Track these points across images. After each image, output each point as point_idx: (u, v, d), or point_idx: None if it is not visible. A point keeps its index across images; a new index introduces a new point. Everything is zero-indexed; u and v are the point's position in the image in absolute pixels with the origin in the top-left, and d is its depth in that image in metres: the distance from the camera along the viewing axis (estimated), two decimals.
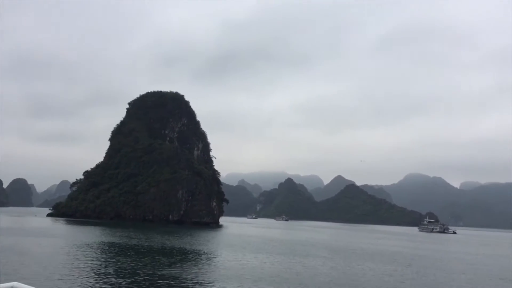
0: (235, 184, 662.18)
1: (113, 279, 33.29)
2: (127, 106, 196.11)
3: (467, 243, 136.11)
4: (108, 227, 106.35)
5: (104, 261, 43.33)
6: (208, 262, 47.90)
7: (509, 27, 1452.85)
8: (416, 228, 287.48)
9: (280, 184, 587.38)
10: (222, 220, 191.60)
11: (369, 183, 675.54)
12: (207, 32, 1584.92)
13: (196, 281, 34.57)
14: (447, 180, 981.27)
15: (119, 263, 42.19)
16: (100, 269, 37.89)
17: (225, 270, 41.11)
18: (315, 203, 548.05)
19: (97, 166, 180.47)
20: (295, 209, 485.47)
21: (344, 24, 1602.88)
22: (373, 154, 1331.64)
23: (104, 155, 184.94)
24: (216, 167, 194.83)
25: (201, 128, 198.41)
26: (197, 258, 51.25)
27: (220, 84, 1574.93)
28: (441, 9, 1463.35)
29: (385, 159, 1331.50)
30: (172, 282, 33.46)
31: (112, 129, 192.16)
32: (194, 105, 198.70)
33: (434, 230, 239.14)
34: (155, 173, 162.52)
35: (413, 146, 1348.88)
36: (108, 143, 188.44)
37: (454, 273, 48.82)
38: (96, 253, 50.65)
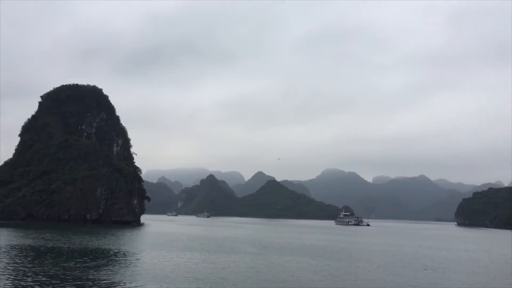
0: (155, 181, 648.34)
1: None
2: (40, 99, 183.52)
3: (387, 234, 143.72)
4: (20, 229, 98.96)
5: (21, 267, 39.78)
6: (135, 262, 45.94)
7: (420, 32, 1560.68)
8: (333, 222, 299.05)
9: (202, 181, 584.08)
10: (143, 218, 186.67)
11: (289, 179, 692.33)
12: (130, 25, 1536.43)
13: (124, 283, 33.00)
14: (361, 175, 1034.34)
15: (39, 268, 39.06)
16: (17, 276, 34.76)
17: (152, 271, 39.50)
18: (237, 199, 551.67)
19: (6, 163, 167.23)
20: (217, 206, 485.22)
21: (270, 22, 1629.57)
22: (294, 150, 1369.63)
23: (13, 152, 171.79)
24: (136, 164, 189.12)
25: (121, 124, 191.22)
26: (123, 259, 48.99)
27: (142, 79, 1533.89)
28: (361, 12, 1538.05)
29: (305, 155, 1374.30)
30: (102, 285, 31.66)
31: (22, 124, 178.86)
32: (114, 100, 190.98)
33: (349, 223, 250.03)
34: (71, 170, 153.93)
35: (332, 143, 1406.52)
36: (18, 139, 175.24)
37: (385, 265, 51.02)
38: (8, 258, 46.51)
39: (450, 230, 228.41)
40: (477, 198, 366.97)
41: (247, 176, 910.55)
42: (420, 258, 60.65)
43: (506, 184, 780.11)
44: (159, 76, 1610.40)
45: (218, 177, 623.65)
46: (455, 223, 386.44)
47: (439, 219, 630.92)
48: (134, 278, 35.51)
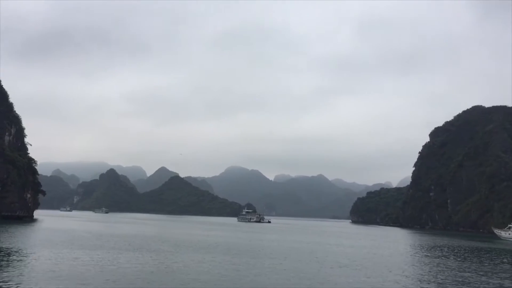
0: (49, 174, 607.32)
1: None
2: None
3: (292, 231, 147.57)
4: None
5: None
6: (33, 262, 41.70)
7: (330, 38, 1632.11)
8: (235, 219, 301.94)
9: (101, 175, 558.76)
10: (36, 213, 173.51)
11: (193, 175, 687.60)
12: (35, 6, 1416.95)
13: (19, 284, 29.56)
14: (264, 173, 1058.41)
15: None
16: None
17: (52, 272, 35.93)
18: (138, 195, 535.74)
19: None
20: (117, 201, 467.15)
21: (186, 16, 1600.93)
22: (200, 146, 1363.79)
23: None
24: (31, 155, 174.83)
25: (15, 111, 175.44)
26: (18, 258, 44.28)
27: (45, 65, 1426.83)
28: (277, 14, 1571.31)
29: (210, 152, 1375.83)
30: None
31: None
32: (8, 86, 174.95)
33: (251, 220, 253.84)
34: None
35: (238, 141, 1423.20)
36: None
37: (304, 262, 51.69)
38: None
39: (348, 227, 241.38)
40: (370, 197, 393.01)
41: (150, 171, 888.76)
42: (331, 254, 62.60)
43: (394, 184, 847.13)
44: (63, 63, 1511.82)
45: (119, 172, 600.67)
46: (350, 220, 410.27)
47: (335, 217, 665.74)
48: (31, 279, 31.96)
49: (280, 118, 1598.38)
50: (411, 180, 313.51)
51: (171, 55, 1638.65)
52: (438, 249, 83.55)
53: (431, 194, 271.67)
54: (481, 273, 47.55)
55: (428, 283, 38.68)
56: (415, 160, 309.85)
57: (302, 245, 77.60)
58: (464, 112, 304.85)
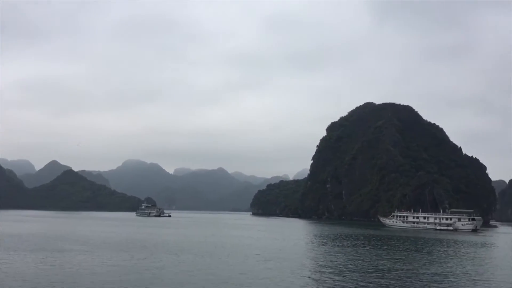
0: None
1: None
2: None
3: (198, 225, 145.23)
4: None
5: None
6: None
7: (237, 33, 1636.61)
8: (134, 213, 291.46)
9: None
10: None
11: (87, 169, 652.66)
12: None
13: None
14: (163, 167, 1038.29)
15: None
16: None
17: None
18: (26, 190, 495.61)
19: None
20: (2, 197, 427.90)
21: (87, 3, 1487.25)
22: (96, 139, 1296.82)
23: None
24: None
25: None
26: None
27: None
28: (183, 6, 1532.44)
29: (106, 145, 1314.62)
30: None
31: None
32: None
33: (151, 214, 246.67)
34: None
35: (137, 133, 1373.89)
36: None
37: (220, 256, 50.12)
38: None
39: (249, 219, 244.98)
40: (270, 190, 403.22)
41: (39, 165, 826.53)
42: (243, 246, 62.04)
43: (291, 177, 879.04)
44: None
45: (4, 166, 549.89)
46: (251, 212, 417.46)
47: (235, 209, 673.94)
48: None
49: (185, 111, 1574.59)
50: (309, 172, 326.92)
51: (70, 43, 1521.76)
52: (338, 238, 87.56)
53: (327, 186, 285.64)
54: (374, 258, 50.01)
55: (338, 270, 39.53)
56: (312, 153, 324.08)
57: (208, 239, 76.39)
58: (357, 108, 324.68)
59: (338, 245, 67.90)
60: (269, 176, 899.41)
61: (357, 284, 33.22)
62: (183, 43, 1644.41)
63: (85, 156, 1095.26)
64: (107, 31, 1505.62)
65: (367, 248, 65.23)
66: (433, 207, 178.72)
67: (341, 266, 42.86)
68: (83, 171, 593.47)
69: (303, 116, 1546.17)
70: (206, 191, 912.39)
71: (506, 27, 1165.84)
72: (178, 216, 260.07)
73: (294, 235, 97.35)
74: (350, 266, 43.41)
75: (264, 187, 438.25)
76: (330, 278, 35.66)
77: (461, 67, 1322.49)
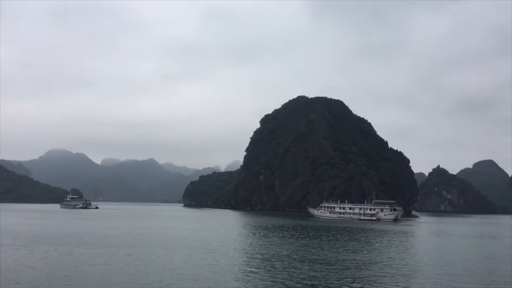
0: None
1: None
2: None
3: (128, 217, 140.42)
4: None
5: None
6: None
7: (175, 23, 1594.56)
8: (58, 205, 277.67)
9: None
10: None
11: (6, 158, 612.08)
12: None
13: None
14: (90, 157, 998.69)
15: None
16: None
17: None
18: None
19: None
20: None
21: None
22: (17, 128, 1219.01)
23: None
24: None
25: None
26: None
27: None
28: None
29: (28, 134, 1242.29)
30: None
31: None
32: None
33: (77, 206, 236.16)
34: None
35: (65, 122, 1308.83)
36: None
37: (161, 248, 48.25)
38: None
39: (182, 210, 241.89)
40: (203, 181, 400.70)
41: None
42: (186, 239, 60.50)
43: (223, 168, 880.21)
44: None
45: None
46: (182, 204, 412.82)
47: (166, 201, 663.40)
48: None
49: (116, 101, 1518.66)
50: (242, 164, 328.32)
51: None
52: (271, 228, 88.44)
53: (260, 177, 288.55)
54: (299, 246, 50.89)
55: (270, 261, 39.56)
56: (246, 145, 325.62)
57: (147, 231, 74.00)
58: (290, 101, 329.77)
59: (270, 236, 68.30)
60: (201, 167, 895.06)
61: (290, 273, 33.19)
62: (118, 30, 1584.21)
63: (3, 145, 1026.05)
64: (33, 14, 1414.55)
65: (296, 238, 66.12)
66: (362, 198, 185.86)
67: (280, 257, 42.83)
68: (2, 160, 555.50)
69: (239, 108, 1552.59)
70: (135, 182, 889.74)
71: (432, 28, 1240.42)
72: (106, 208, 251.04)
73: (232, 227, 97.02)
74: (295, 256, 43.52)
75: (196, 179, 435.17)
76: (270, 268, 35.41)
77: (390, 65, 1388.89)
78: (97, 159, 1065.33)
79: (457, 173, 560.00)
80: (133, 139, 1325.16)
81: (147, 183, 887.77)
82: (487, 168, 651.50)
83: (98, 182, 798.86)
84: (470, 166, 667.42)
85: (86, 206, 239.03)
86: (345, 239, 68.79)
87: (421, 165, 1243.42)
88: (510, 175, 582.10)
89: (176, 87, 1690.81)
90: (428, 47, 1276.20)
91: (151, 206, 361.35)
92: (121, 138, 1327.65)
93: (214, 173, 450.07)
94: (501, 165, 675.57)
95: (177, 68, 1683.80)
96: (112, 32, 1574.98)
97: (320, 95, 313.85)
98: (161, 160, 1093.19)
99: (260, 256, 43.97)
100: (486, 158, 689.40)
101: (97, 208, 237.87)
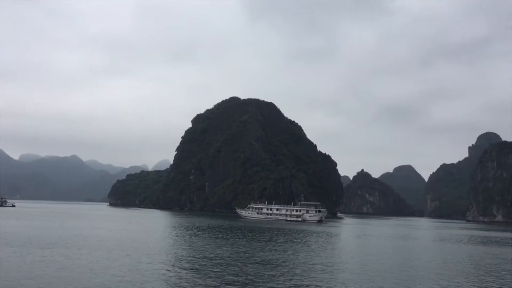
0: None
1: None
2: None
3: (53, 216, 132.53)
4: None
5: None
6: None
7: (108, 18, 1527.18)
8: None
9: None
10: None
11: None
12: None
13: None
14: (7, 152, 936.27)
15: None
16: None
17: None
18: None
19: None
20: None
21: None
22: None
23: None
24: None
25: None
26: None
27: None
28: None
29: None
30: None
31: None
32: None
33: None
34: None
35: None
36: None
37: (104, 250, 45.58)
38: None
39: (107, 210, 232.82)
40: (130, 180, 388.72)
41: None
42: (114, 240, 57.89)
43: (151, 167, 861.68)
44: None
45: None
46: (108, 203, 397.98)
47: (90, 200, 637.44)
48: None
49: (40, 93, 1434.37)
50: (172, 163, 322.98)
51: None
52: (197, 229, 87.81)
53: (191, 177, 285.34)
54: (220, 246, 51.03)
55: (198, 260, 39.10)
56: (176, 144, 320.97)
57: (75, 231, 70.20)
58: (223, 101, 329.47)
59: (201, 236, 67.57)
60: (127, 166, 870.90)
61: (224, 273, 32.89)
62: (45, 19, 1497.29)
63: None
64: None
65: (221, 239, 65.97)
66: (291, 200, 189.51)
67: (206, 257, 42.34)
68: None
69: (169, 107, 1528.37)
70: (57, 179, 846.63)
71: (362, 38, 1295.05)
72: (25, 206, 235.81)
73: (163, 227, 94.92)
74: (229, 258, 43.14)
75: (122, 177, 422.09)
76: (205, 269, 34.84)
77: (322, 71, 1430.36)
78: (15, 155, 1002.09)
79: (379, 177, 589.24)
80: (55, 135, 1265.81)
81: (69, 181, 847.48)
82: (406, 172, 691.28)
83: (15, 179, 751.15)
84: (391, 171, 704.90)
85: (1, 203, 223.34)
86: (265, 239, 69.76)
87: (346, 168, 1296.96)
88: (426, 180, 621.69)
89: (104, 83, 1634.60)
90: (357, 55, 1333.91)
91: (74, 205, 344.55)
92: (42, 133, 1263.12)
93: (142, 172, 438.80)
94: (418, 170, 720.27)
95: (106, 63, 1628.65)
96: (39, 21, 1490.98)
97: (253, 97, 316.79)
98: (85, 157, 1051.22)
99: (189, 257, 43.51)
100: (406, 163, 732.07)
101: (13, 206, 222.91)
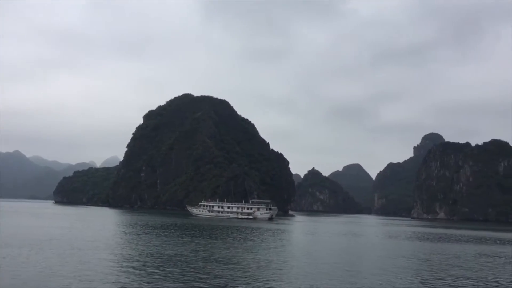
0: None
1: None
2: None
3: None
4: None
5: None
6: None
7: (56, 9, 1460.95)
8: None
9: None
10: None
11: None
12: None
13: None
14: None
15: None
16: None
17: None
18: None
19: None
20: None
21: None
22: None
23: None
24: None
25: None
26: None
27: None
28: None
29: None
30: None
31: None
32: None
33: None
34: None
35: None
36: None
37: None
38: None
39: (56, 208, 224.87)
40: (77, 177, 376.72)
41: None
42: (65, 239, 56.28)
43: (98, 164, 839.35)
44: None
45: None
46: (53, 201, 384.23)
47: (33, 197, 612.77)
48: None
49: None
50: (122, 160, 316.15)
51: None
52: (147, 227, 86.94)
53: (142, 174, 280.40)
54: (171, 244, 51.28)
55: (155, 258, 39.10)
56: (125, 141, 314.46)
57: (22, 230, 67.60)
58: (176, 98, 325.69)
59: (149, 234, 67.06)
60: (74, 162, 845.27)
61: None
62: None
63: None
64: None
65: (168, 237, 65.88)
66: (244, 198, 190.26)
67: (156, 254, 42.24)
68: None
69: (119, 103, 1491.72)
70: None
71: (316, 40, 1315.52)
72: None
73: (114, 225, 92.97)
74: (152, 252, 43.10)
75: (69, 174, 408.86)
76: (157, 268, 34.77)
77: (276, 70, 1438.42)
78: None
79: (328, 175, 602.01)
80: None
81: (11, 177, 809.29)
82: (354, 171, 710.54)
83: None
84: (340, 169, 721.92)
85: None
86: (216, 236, 70.10)
87: (298, 167, 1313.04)
88: (374, 179, 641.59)
89: (50, 76, 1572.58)
90: (311, 56, 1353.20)
91: (17, 203, 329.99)
92: None
93: (90, 168, 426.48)
94: (366, 169, 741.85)
95: (53, 55, 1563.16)
96: None
97: (207, 95, 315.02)
98: (28, 153, 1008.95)
99: (139, 254, 43.07)
100: (355, 162, 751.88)
101: None
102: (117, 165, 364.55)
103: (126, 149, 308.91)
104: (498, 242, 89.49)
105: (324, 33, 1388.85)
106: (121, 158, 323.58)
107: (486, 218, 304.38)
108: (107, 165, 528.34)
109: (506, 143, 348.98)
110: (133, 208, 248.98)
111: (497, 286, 34.35)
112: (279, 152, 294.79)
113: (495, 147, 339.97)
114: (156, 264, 37.28)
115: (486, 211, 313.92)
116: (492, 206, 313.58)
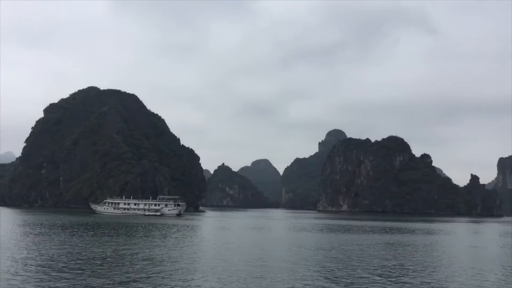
0: None
1: None
2: None
3: None
4: None
5: None
6: None
7: None
8: None
9: None
10: None
11: None
12: None
13: None
14: None
15: None
16: None
17: None
18: None
19: None
20: None
21: None
22: None
23: None
24: None
25: None
26: None
27: None
28: None
29: None
30: None
31: None
32: None
33: None
34: None
35: None
36: None
37: None
38: None
39: None
40: None
41: None
42: None
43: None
44: None
45: None
46: None
47: None
48: None
49: None
50: (20, 156, 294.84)
51: None
52: (53, 227, 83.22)
53: (43, 171, 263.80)
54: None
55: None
56: (23, 135, 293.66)
57: None
58: (80, 91, 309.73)
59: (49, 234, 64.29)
60: None
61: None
62: None
63: None
64: None
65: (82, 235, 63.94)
66: (154, 194, 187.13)
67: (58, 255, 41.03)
68: None
69: (17, 95, 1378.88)
70: None
71: (228, 37, 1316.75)
72: None
73: (14, 225, 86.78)
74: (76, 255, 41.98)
75: None
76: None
77: (187, 66, 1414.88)
78: None
79: (238, 170, 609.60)
80: None
81: None
82: (262, 166, 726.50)
83: None
84: (249, 164, 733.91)
85: None
86: (118, 233, 69.12)
87: (209, 162, 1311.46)
88: (281, 174, 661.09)
89: None
90: (223, 53, 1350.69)
91: None
92: None
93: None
94: (274, 164, 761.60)
95: None
96: None
97: (116, 88, 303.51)
98: None
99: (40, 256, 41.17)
100: (263, 158, 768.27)
101: None
102: (13, 162, 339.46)
103: (25, 144, 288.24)
104: (399, 231, 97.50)
105: (236, 30, 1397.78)
106: (17, 154, 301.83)
107: (384, 210, 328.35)
108: (1, 162, 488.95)
109: (402, 140, 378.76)
110: (32, 207, 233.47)
111: (414, 271, 37.23)
112: (190, 148, 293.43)
113: (392, 143, 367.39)
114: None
115: (384, 203, 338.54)
116: (389, 198, 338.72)
